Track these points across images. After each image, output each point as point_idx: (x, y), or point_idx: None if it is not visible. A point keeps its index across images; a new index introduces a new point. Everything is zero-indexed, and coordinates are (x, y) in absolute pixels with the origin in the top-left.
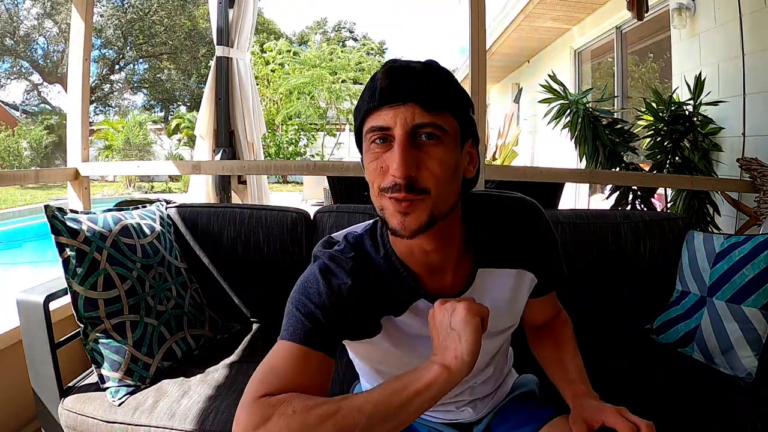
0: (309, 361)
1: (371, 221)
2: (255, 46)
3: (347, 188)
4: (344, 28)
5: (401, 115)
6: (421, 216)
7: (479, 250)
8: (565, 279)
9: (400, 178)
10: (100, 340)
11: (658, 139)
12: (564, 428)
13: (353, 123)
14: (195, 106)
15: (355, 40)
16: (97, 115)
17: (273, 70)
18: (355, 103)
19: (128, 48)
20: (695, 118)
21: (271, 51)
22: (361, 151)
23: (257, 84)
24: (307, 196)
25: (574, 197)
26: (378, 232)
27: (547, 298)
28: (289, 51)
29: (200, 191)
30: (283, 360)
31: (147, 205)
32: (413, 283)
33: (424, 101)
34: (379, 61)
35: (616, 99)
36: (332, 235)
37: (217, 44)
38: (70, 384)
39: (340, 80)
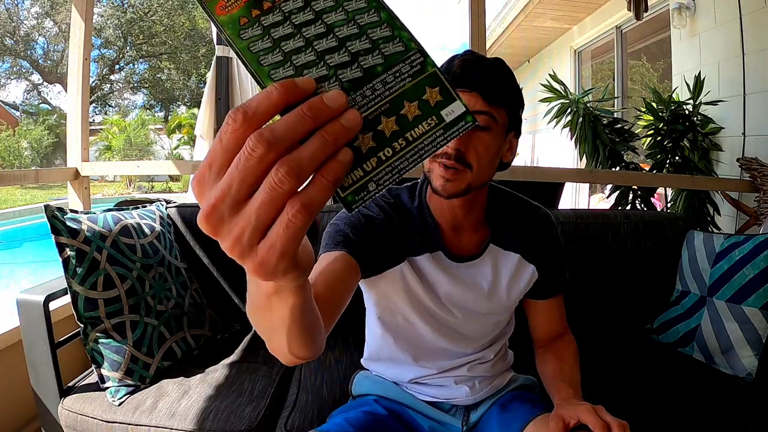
0: (336, 259)
1: (411, 182)
2: None
3: None
4: None
5: (465, 99)
6: (461, 185)
7: (494, 228)
8: (567, 286)
9: (451, 149)
10: (100, 340)
11: (658, 138)
12: (545, 425)
13: None
14: (195, 105)
15: None
16: (97, 114)
17: None
18: None
19: (128, 48)
20: (695, 118)
21: None
22: None
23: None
24: None
25: (574, 197)
26: (417, 188)
27: (551, 305)
28: None
29: None
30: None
31: (147, 204)
32: (436, 236)
33: (486, 93)
34: None
35: (616, 100)
36: None
37: (217, 44)
38: (70, 384)
39: None
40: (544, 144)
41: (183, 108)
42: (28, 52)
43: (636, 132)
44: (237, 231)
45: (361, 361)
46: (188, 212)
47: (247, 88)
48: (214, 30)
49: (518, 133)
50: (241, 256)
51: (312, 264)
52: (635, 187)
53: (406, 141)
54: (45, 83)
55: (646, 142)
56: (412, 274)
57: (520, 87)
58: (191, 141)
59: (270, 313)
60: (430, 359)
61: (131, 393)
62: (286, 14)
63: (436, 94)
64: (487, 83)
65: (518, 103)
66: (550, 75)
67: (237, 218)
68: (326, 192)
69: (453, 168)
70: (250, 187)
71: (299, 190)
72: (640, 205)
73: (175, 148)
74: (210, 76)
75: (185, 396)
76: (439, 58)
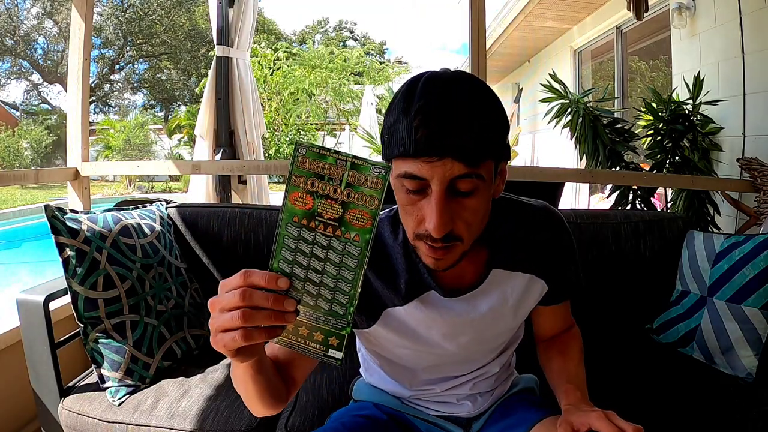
0: (297, 361)
1: (395, 206)
2: (256, 45)
3: None
4: (345, 28)
5: (439, 171)
6: (454, 257)
7: (496, 250)
8: (580, 289)
9: (438, 235)
10: (100, 340)
11: (658, 138)
12: (552, 429)
13: (382, 137)
14: (195, 105)
15: (355, 39)
16: (97, 114)
17: (273, 73)
18: (357, 104)
19: (128, 48)
20: (694, 118)
21: (269, 54)
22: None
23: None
24: None
25: (574, 197)
26: (400, 218)
27: (558, 308)
28: (289, 52)
29: (200, 191)
30: (278, 352)
31: (147, 204)
32: (426, 274)
33: (464, 157)
34: (380, 62)
35: (616, 100)
36: None
37: (217, 44)
38: (70, 384)
39: (340, 83)
40: (544, 144)
41: (183, 108)
42: (28, 52)
43: (636, 132)
44: (214, 321)
45: (360, 370)
46: (188, 212)
47: (247, 88)
48: (214, 30)
49: (508, 158)
50: (211, 331)
51: (255, 357)
52: (635, 187)
53: (304, 342)
54: (45, 83)
55: (646, 142)
56: (396, 329)
57: (502, 106)
58: (191, 141)
59: (236, 380)
60: (429, 384)
61: (131, 393)
62: (313, 240)
63: (334, 341)
64: (464, 144)
65: (504, 136)
66: (550, 75)
67: (217, 316)
68: (260, 338)
69: (442, 248)
70: (228, 308)
71: (249, 327)
72: (640, 205)
73: (176, 148)
74: (210, 76)
75: (185, 396)
76: (440, 58)
